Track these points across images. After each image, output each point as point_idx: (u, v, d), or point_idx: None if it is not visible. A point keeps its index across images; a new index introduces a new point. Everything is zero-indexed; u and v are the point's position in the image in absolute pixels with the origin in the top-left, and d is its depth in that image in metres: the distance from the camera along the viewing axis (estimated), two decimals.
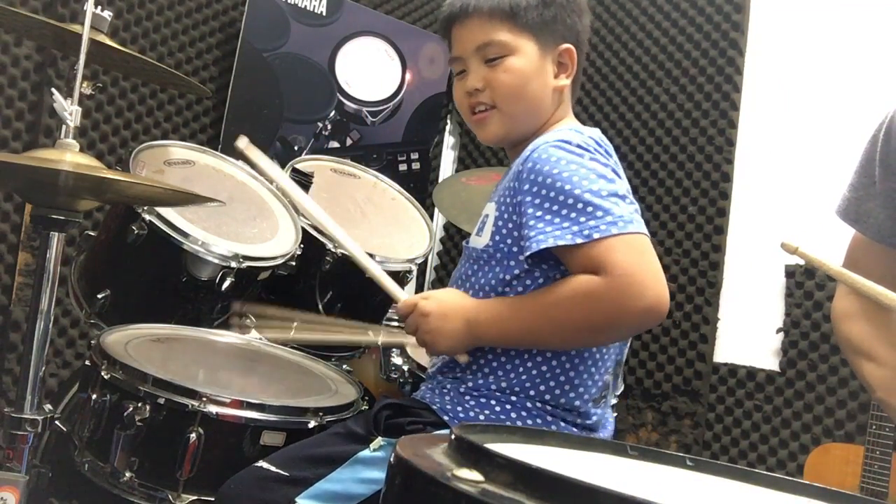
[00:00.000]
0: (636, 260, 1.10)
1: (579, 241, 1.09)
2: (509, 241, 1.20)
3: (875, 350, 1.26)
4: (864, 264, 1.32)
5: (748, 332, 2.64)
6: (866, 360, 1.27)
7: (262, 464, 1.19)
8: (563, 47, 1.28)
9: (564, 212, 1.12)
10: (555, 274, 1.17)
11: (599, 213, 1.10)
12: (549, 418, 1.18)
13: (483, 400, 1.19)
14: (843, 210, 1.34)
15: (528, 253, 1.14)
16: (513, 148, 1.33)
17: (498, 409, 1.19)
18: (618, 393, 1.96)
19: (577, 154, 1.16)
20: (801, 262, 2.55)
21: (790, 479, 0.61)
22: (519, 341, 1.18)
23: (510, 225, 1.20)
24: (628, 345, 1.32)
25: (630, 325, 1.16)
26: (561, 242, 1.10)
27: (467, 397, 1.20)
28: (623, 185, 1.18)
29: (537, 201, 1.15)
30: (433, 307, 1.21)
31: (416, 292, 3.31)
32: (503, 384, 1.19)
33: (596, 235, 1.09)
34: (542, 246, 1.11)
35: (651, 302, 1.09)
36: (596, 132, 1.26)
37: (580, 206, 1.11)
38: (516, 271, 1.19)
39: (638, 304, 1.09)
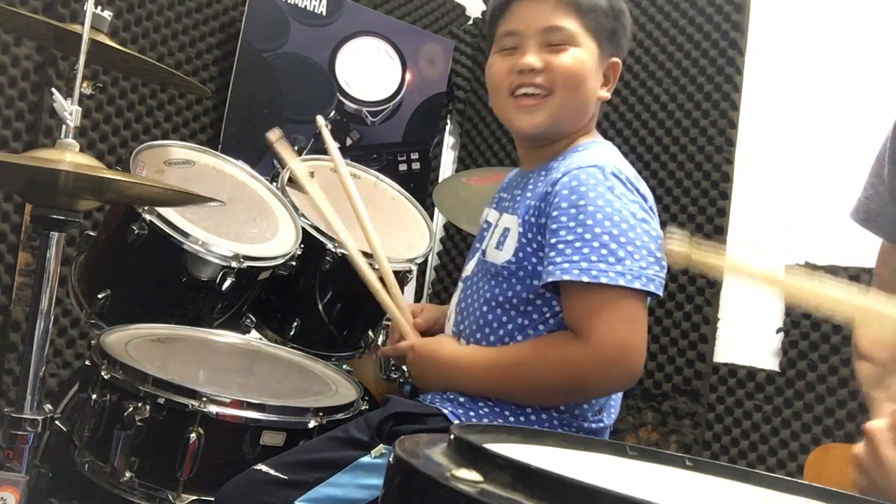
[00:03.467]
0: (618, 329, 1.10)
1: (585, 279, 1.09)
2: (534, 259, 1.18)
3: (874, 352, 1.26)
4: (885, 270, 1.29)
5: (748, 332, 2.64)
6: (865, 361, 1.27)
7: (262, 467, 1.18)
8: (613, 60, 1.28)
9: (579, 244, 1.10)
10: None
11: (612, 260, 1.09)
12: (566, 428, 1.18)
13: (497, 409, 1.18)
14: (854, 211, 1.33)
15: (542, 283, 1.15)
16: (534, 149, 1.30)
17: (512, 419, 1.18)
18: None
19: (607, 186, 1.13)
20: (801, 262, 2.55)
21: (790, 479, 0.61)
22: (494, 395, 1.20)
23: (535, 245, 1.18)
24: None
25: (596, 392, 1.18)
26: (566, 277, 1.10)
27: (480, 403, 1.19)
28: (644, 226, 1.14)
29: (554, 226, 1.14)
30: (415, 359, 1.28)
31: (417, 292, 3.32)
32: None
33: (603, 280, 1.08)
34: (551, 279, 1.12)
35: (620, 374, 1.12)
36: (621, 156, 1.25)
37: (596, 244, 1.10)
38: (540, 290, 1.18)
39: (608, 375, 1.12)
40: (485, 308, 1.23)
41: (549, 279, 1.12)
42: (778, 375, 2.53)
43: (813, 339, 2.47)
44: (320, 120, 1.86)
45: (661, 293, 1.14)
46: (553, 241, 1.13)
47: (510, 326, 1.20)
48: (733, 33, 2.74)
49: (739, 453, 2.59)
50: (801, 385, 2.48)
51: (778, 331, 2.56)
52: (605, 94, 1.28)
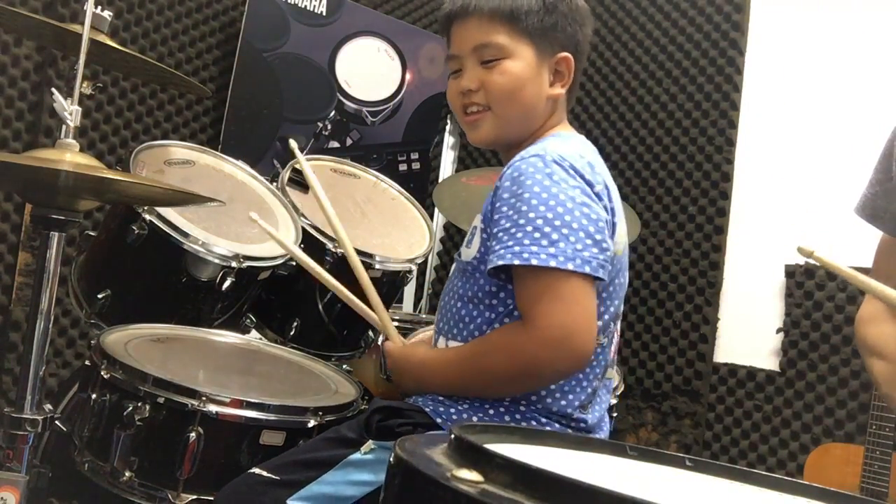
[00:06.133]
0: (560, 311, 1.11)
1: (516, 262, 1.10)
2: None
3: (886, 348, 1.26)
4: (887, 263, 1.30)
5: (748, 332, 2.64)
6: (877, 359, 1.27)
7: (255, 470, 1.19)
8: (561, 55, 1.27)
9: (514, 230, 1.12)
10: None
11: (545, 242, 1.10)
12: (544, 420, 1.19)
13: (477, 403, 1.19)
14: (860, 207, 1.32)
15: (485, 272, 1.17)
16: (506, 152, 1.32)
17: (492, 412, 1.19)
18: (618, 393, 1.95)
19: (546, 173, 1.14)
20: (801, 261, 2.55)
21: (790, 479, 0.61)
22: (461, 392, 1.21)
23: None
24: (615, 350, 1.31)
25: (547, 376, 1.18)
26: (500, 262, 1.12)
27: (460, 399, 1.20)
28: (584, 210, 1.13)
29: (496, 217, 1.16)
30: (390, 365, 1.33)
31: (417, 292, 3.32)
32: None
33: (534, 262, 1.09)
34: (489, 266, 1.14)
35: (566, 356, 1.12)
36: (581, 145, 1.25)
37: (529, 228, 1.11)
38: (501, 283, 1.19)
39: (553, 357, 1.12)
40: (458, 304, 1.25)
41: (489, 266, 1.15)
42: (778, 375, 2.54)
43: (813, 339, 2.48)
44: (292, 143, 1.87)
45: (602, 276, 1.13)
46: (494, 230, 1.16)
47: (479, 320, 1.22)
48: (733, 33, 2.74)
49: (739, 453, 2.59)
50: (801, 385, 2.49)
51: (778, 331, 2.56)
52: (558, 90, 1.28)
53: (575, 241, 1.11)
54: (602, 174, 1.22)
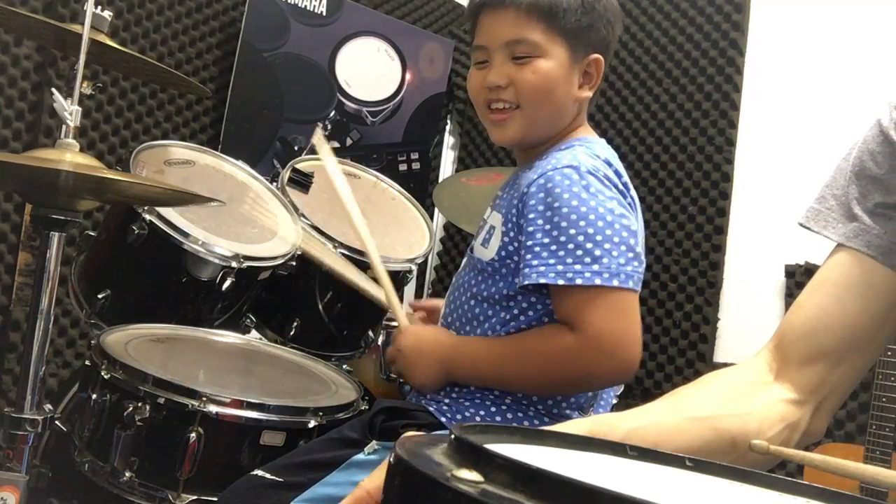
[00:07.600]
0: (612, 321, 1.10)
1: (560, 282, 1.10)
2: (516, 258, 1.18)
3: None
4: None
5: (748, 332, 2.63)
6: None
7: (259, 472, 1.19)
8: (593, 57, 1.24)
9: (554, 247, 1.11)
10: (549, 302, 1.18)
11: (588, 260, 1.09)
12: (547, 419, 1.19)
13: (478, 402, 1.19)
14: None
15: (520, 285, 1.15)
16: (523, 151, 1.31)
17: (493, 409, 1.19)
18: (617, 393, 1.95)
19: (582, 185, 1.13)
20: (801, 261, 2.55)
21: (790, 479, 0.61)
22: (490, 383, 1.19)
23: (516, 244, 1.18)
24: None
25: (595, 384, 1.19)
26: (542, 280, 1.11)
27: (461, 399, 1.20)
28: (623, 221, 1.13)
29: (530, 229, 1.14)
30: (408, 343, 1.24)
31: (417, 292, 3.32)
32: (496, 391, 1.20)
33: (578, 281, 1.09)
34: (527, 282, 1.13)
35: (618, 365, 1.12)
36: (604, 150, 1.24)
37: (571, 246, 1.10)
38: (522, 290, 1.18)
39: (605, 366, 1.12)
40: (472, 302, 1.24)
41: (526, 282, 1.13)
42: None
43: None
44: (318, 132, 1.83)
45: (639, 289, 1.14)
46: (529, 242, 1.14)
47: (494, 320, 1.21)
48: (733, 33, 2.74)
49: None
50: None
51: None
52: (587, 93, 1.25)
53: (618, 256, 1.10)
54: (626, 179, 1.22)
